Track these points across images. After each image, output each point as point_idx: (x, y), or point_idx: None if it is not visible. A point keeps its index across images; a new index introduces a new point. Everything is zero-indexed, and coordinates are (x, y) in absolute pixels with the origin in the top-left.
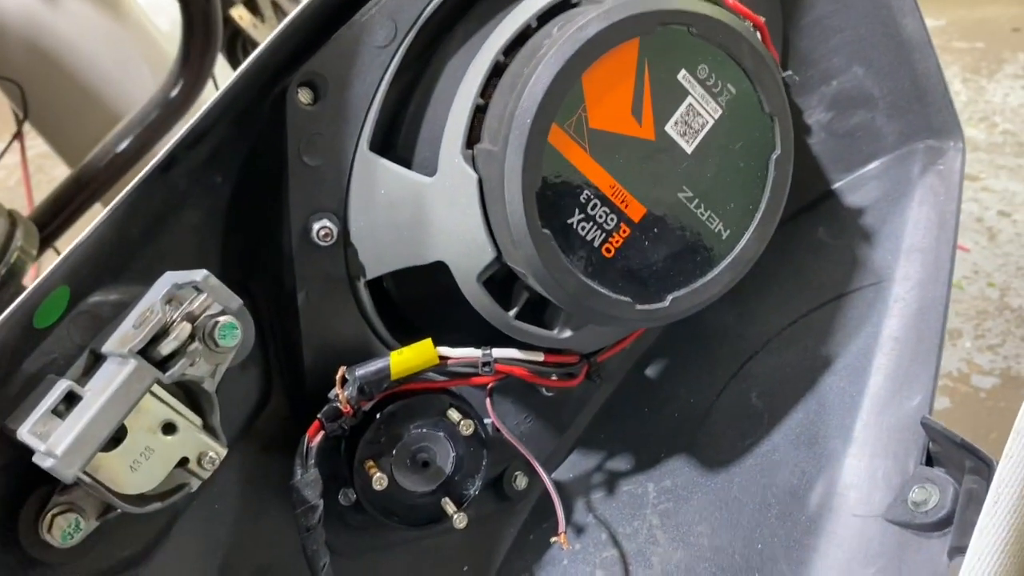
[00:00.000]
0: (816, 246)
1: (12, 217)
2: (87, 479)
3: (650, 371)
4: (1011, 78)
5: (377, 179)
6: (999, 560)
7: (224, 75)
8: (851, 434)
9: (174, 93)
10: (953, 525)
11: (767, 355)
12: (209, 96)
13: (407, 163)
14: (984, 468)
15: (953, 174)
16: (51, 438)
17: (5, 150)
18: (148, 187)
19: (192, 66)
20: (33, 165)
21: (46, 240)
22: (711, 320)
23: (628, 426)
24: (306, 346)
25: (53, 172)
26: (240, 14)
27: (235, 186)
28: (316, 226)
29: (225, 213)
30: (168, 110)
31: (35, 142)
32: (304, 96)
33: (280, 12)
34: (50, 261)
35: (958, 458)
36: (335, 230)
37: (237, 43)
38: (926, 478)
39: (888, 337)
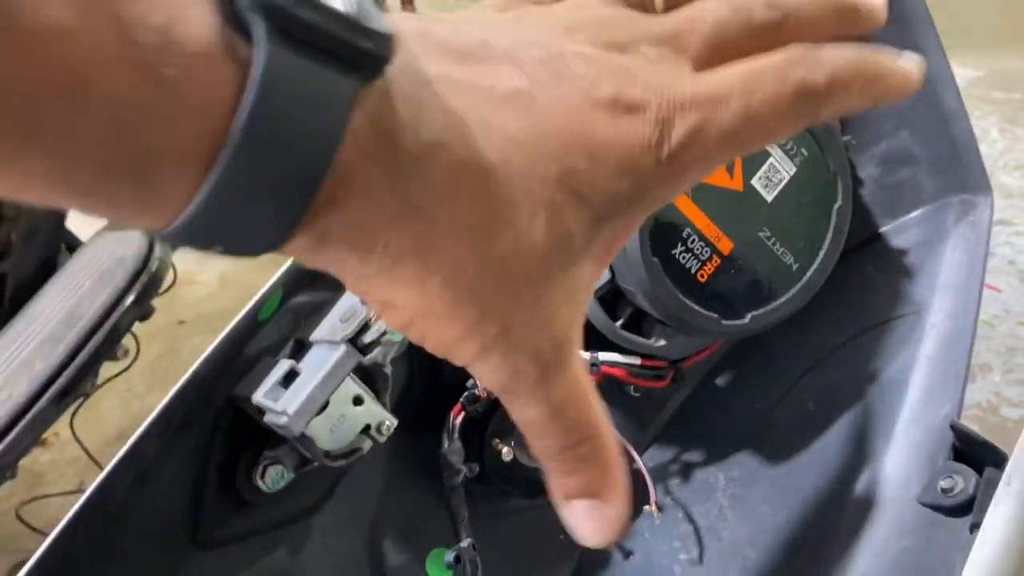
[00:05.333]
0: (865, 280)
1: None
2: (307, 434)
3: (720, 380)
4: None
5: None
6: (1010, 528)
7: None
8: (891, 435)
9: None
10: (974, 507)
11: (821, 370)
12: None
13: None
14: (1002, 461)
15: (982, 224)
16: (281, 401)
17: None
18: None
19: None
20: None
21: None
22: (773, 339)
23: (700, 426)
24: None
25: None
26: None
27: None
28: None
29: None
30: None
31: None
32: None
33: None
34: None
35: (980, 454)
36: None
37: None
38: (953, 470)
39: (924, 357)
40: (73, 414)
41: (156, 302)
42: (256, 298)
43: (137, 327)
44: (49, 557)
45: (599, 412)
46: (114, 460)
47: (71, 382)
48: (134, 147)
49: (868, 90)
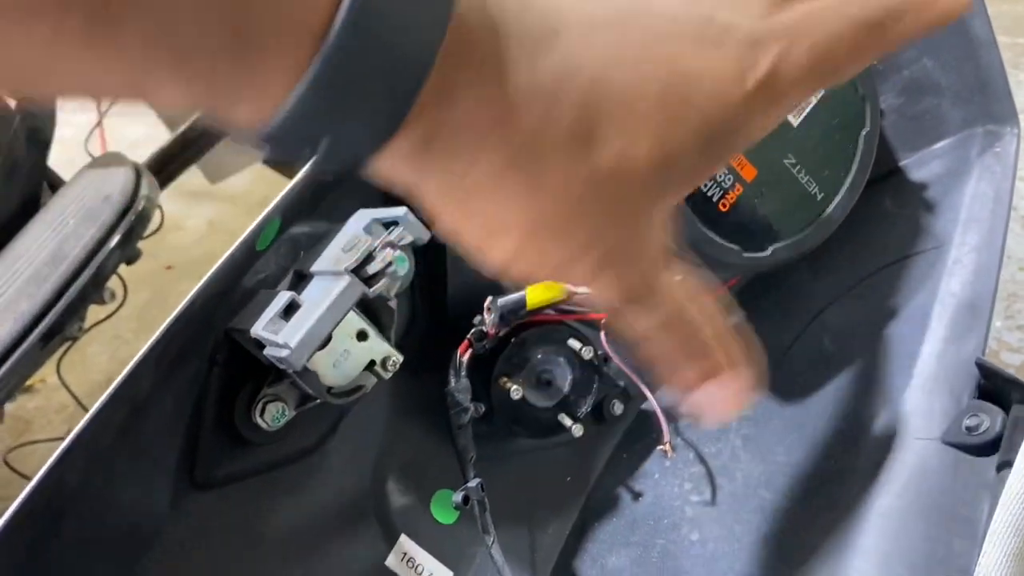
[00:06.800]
0: (883, 214)
1: (137, 169)
2: (309, 369)
3: (731, 319)
4: None
5: None
6: None
7: None
8: (912, 372)
9: None
10: (1001, 446)
11: (838, 307)
12: None
13: None
14: None
15: (1009, 156)
16: (282, 334)
17: (111, 106)
18: None
19: None
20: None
21: None
22: (787, 277)
23: None
24: (451, 281)
25: (123, 131)
26: None
27: None
28: None
29: None
30: None
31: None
32: None
33: None
34: None
35: (1007, 391)
36: None
37: None
38: (979, 408)
39: (947, 293)
40: (60, 360)
41: (143, 246)
42: (252, 226)
43: (124, 272)
44: (38, 496)
45: (707, 307)
46: (105, 395)
47: (57, 323)
48: (239, 20)
49: (920, 16)
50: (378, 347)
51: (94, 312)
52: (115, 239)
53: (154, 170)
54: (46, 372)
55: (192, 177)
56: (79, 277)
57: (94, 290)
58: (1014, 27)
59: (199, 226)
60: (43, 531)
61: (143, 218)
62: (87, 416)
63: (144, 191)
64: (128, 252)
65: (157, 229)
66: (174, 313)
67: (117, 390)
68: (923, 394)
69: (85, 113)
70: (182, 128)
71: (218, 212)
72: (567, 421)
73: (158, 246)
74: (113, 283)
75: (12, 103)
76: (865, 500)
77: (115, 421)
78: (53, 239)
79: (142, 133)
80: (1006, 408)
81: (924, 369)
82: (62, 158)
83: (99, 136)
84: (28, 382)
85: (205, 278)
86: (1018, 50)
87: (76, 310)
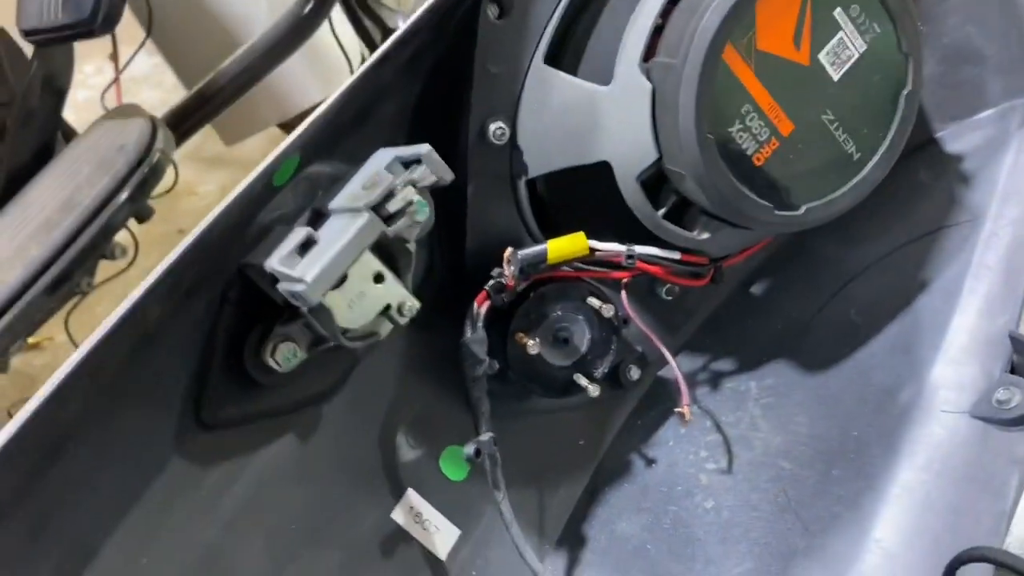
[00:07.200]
0: (917, 185)
1: (153, 122)
2: (324, 305)
3: (755, 288)
4: None
5: (551, 87)
6: None
7: None
8: (942, 345)
9: (306, 10)
10: None
11: (867, 279)
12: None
13: (572, 74)
14: None
15: None
16: (297, 268)
17: (127, 63)
18: (367, 77)
19: None
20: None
21: None
22: (815, 246)
23: (733, 334)
24: (470, 231)
25: (140, 94)
26: None
27: (423, 86)
28: (492, 127)
29: (413, 108)
30: (297, 27)
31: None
32: (492, 11)
33: None
34: None
35: None
36: (508, 131)
37: None
38: (1010, 383)
39: (980, 265)
40: (67, 316)
41: (155, 206)
42: (270, 159)
43: (136, 231)
44: (38, 421)
45: None
46: (112, 320)
47: (66, 270)
48: None
49: None
50: (394, 291)
51: (103, 270)
52: (128, 190)
53: (170, 126)
54: (54, 330)
55: (207, 142)
56: (90, 225)
57: (104, 240)
58: None
59: (211, 191)
60: (42, 459)
61: (157, 170)
62: (93, 339)
63: (159, 144)
64: (140, 204)
65: (170, 189)
66: (189, 239)
67: (125, 316)
68: (953, 367)
69: (102, 75)
70: (199, 85)
71: (232, 178)
72: (583, 381)
73: (171, 209)
74: (125, 240)
75: (29, 49)
76: (889, 472)
77: (122, 349)
78: (66, 187)
79: (158, 97)
80: None
81: (955, 342)
82: (78, 121)
83: (115, 93)
84: (35, 339)
85: (221, 207)
86: None
87: (86, 259)
